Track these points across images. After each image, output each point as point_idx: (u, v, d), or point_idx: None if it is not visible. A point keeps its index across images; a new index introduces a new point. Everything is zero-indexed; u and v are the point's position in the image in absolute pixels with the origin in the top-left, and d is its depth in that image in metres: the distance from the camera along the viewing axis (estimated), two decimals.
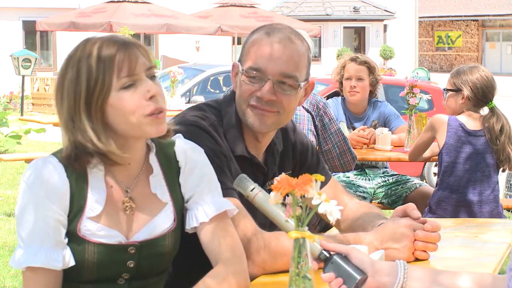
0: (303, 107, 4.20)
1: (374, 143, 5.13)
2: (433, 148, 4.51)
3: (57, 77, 1.84)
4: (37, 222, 1.77)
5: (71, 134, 1.79)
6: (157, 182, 1.91)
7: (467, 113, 4.33)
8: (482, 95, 4.27)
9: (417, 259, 2.13)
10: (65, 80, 1.79)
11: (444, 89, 4.42)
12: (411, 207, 2.21)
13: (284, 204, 1.65)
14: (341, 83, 5.21)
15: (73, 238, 1.81)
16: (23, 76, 15.99)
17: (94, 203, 1.82)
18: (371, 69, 5.12)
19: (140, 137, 1.85)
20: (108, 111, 1.78)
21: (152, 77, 1.83)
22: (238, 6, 18.51)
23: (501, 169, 4.38)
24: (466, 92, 4.27)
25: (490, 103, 4.31)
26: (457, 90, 4.31)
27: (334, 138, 4.29)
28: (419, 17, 32.21)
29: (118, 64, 1.77)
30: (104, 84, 1.76)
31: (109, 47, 1.78)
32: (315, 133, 4.24)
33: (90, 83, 1.76)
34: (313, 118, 4.22)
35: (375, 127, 5.20)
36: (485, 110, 4.35)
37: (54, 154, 1.84)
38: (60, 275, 1.80)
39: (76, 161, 1.80)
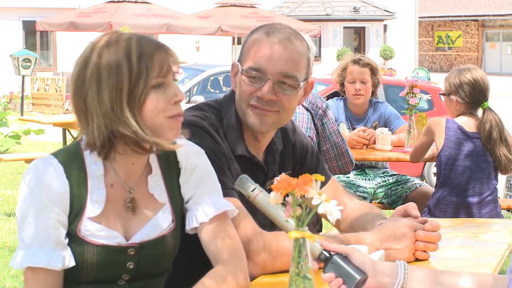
0: (302, 105, 4.20)
1: (374, 143, 5.14)
2: (433, 149, 4.52)
3: (81, 64, 1.80)
4: (38, 224, 1.77)
5: (109, 123, 1.77)
6: (155, 182, 1.91)
7: (465, 115, 4.34)
8: (471, 98, 4.28)
9: (417, 259, 2.13)
10: (101, 68, 1.77)
11: (439, 94, 4.44)
12: (411, 206, 2.21)
13: (284, 205, 1.64)
14: (342, 84, 5.21)
15: (73, 239, 1.82)
16: (23, 76, 15.99)
17: (94, 203, 1.83)
18: (373, 71, 5.12)
19: (157, 137, 1.85)
20: (144, 107, 1.78)
21: (174, 81, 1.85)
22: (238, 6, 18.49)
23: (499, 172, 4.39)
24: (455, 97, 4.29)
25: (483, 104, 4.31)
26: (449, 95, 4.33)
27: (333, 139, 4.28)
28: (419, 17, 32.21)
29: (158, 63, 1.79)
30: (147, 81, 1.78)
31: (147, 44, 1.80)
32: (315, 131, 4.24)
33: (131, 78, 1.77)
34: (312, 117, 4.22)
35: (375, 128, 5.20)
36: (481, 111, 4.35)
37: (54, 154, 1.84)
38: (61, 275, 1.81)
39: (104, 149, 1.79)
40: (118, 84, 1.76)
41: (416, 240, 2.13)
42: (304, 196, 1.58)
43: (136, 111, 1.78)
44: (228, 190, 2.06)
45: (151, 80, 1.78)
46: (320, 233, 2.61)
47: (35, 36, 22.12)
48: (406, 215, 2.21)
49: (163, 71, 1.80)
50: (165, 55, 1.81)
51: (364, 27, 28.67)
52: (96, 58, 1.78)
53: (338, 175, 5.12)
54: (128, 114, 1.77)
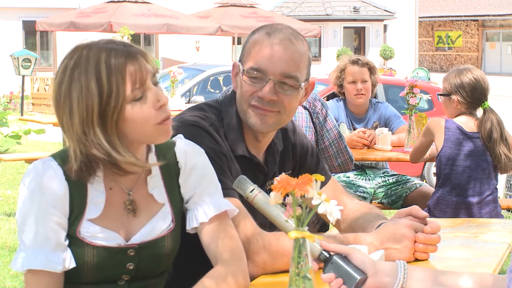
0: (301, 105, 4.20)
1: (375, 144, 5.14)
2: (433, 149, 4.52)
3: (56, 85, 1.78)
4: (38, 226, 1.77)
5: (83, 147, 1.76)
6: (155, 183, 1.91)
7: (465, 115, 4.34)
8: (472, 98, 4.28)
9: (417, 259, 2.13)
10: (72, 92, 1.75)
11: (437, 94, 4.44)
12: (416, 209, 2.21)
13: (284, 205, 1.64)
14: (340, 86, 5.21)
15: (73, 240, 1.81)
16: (23, 76, 15.98)
17: (93, 206, 1.82)
18: (371, 70, 5.14)
19: (149, 143, 1.86)
20: (122, 123, 1.76)
21: (156, 83, 1.82)
22: (238, 6, 18.51)
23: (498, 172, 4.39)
24: (456, 97, 4.29)
25: (483, 103, 4.31)
26: (449, 95, 4.33)
27: (330, 135, 4.28)
28: (419, 17, 32.20)
29: (130, 76, 1.75)
30: (119, 98, 1.74)
31: (117, 58, 1.75)
32: (313, 130, 4.24)
33: (102, 97, 1.73)
34: (310, 114, 4.22)
35: (375, 128, 5.21)
36: (481, 111, 4.35)
37: (53, 156, 1.83)
38: (61, 277, 1.81)
39: (85, 172, 1.78)
40: (88, 108, 1.74)
41: (416, 242, 2.13)
42: (304, 196, 1.58)
43: (109, 130, 1.75)
44: (228, 190, 2.06)
45: (125, 96, 1.75)
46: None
47: (35, 36, 22.12)
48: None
49: (136, 83, 1.76)
50: (137, 65, 1.77)
51: (364, 27, 28.66)
52: (68, 80, 1.76)
53: (338, 175, 5.12)
54: (101, 136, 1.75)
